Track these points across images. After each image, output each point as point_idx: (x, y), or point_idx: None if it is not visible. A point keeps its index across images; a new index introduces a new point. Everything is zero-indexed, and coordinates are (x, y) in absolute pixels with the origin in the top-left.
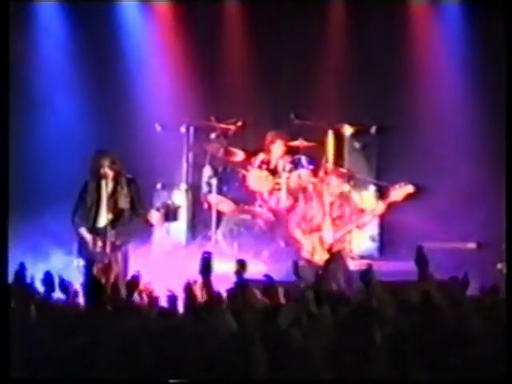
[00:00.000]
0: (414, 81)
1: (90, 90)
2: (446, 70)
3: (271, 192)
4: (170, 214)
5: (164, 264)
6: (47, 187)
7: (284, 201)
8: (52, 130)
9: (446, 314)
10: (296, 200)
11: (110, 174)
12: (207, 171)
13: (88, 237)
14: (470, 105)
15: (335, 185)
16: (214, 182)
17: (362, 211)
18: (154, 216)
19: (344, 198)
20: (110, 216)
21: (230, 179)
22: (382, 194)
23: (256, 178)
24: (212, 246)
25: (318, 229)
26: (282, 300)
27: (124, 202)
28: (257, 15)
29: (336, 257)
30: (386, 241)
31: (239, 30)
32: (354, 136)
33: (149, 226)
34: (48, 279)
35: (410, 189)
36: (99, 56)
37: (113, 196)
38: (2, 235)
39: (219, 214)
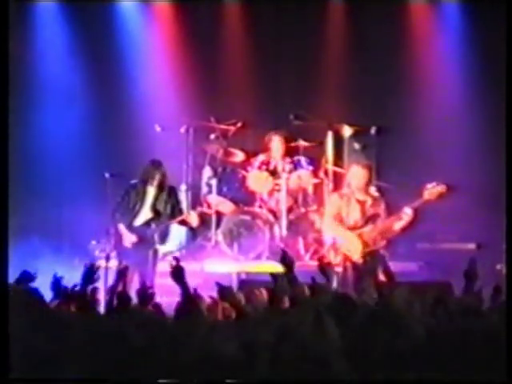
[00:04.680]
0: (413, 81)
1: (90, 89)
2: (446, 70)
3: (271, 193)
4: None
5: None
6: (47, 188)
7: (284, 202)
8: (52, 130)
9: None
10: (296, 201)
11: (157, 182)
12: (207, 172)
13: (125, 233)
14: (469, 105)
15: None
16: (214, 182)
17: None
18: (194, 219)
19: (375, 198)
20: (149, 216)
21: (229, 180)
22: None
23: (256, 179)
24: (212, 247)
25: (354, 227)
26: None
27: (162, 207)
28: (257, 15)
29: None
30: (387, 241)
31: (239, 30)
32: (354, 137)
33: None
34: (56, 282)
35: (443, 188)
36: (99, 56)
37: (156, 200)
38: (2, 235)
39: (219, 215)
